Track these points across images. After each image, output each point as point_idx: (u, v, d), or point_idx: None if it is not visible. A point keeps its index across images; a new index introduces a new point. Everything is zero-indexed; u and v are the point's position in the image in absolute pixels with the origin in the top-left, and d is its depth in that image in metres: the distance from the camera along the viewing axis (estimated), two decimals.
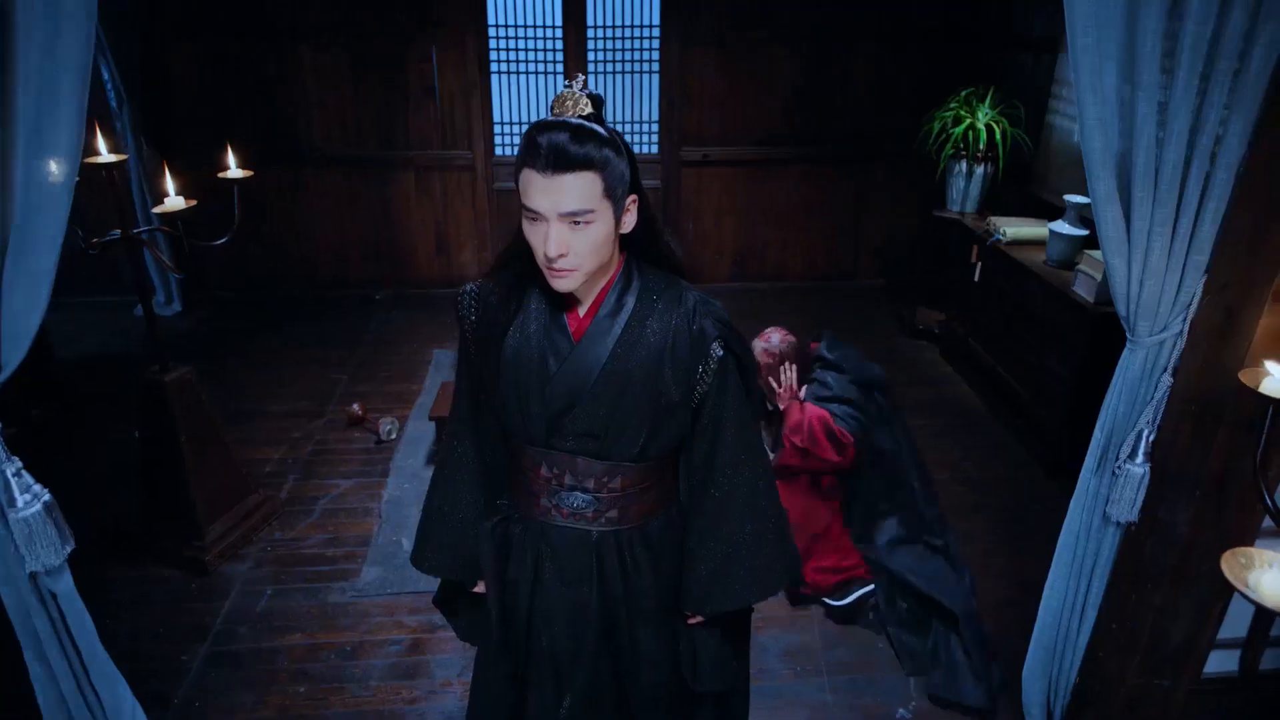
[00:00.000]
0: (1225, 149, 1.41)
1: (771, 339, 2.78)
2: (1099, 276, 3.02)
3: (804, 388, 2.75)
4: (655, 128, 5.00)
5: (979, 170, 4.17)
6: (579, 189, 1.16)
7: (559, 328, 1.34)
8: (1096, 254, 3.07)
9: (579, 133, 1.15)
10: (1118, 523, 1.76)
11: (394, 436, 3.52)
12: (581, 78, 1.23)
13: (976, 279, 3.94)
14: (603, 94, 5.30)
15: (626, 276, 1.34)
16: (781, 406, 2.70)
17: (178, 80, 4.53)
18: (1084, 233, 3.38)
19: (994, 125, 4.04)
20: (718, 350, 1.33)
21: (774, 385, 2.72)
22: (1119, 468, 1.71)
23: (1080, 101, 1.42)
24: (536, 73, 4.83)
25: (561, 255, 1.20)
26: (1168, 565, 1.67)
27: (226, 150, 2.64)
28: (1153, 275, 1.53)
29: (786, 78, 4.86)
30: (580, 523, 1.43)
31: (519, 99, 4.89)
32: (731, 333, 1.35)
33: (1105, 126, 1.43)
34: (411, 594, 2.64)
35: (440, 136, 4.85)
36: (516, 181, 1.21)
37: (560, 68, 4.80)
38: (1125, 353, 1.66)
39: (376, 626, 2.53)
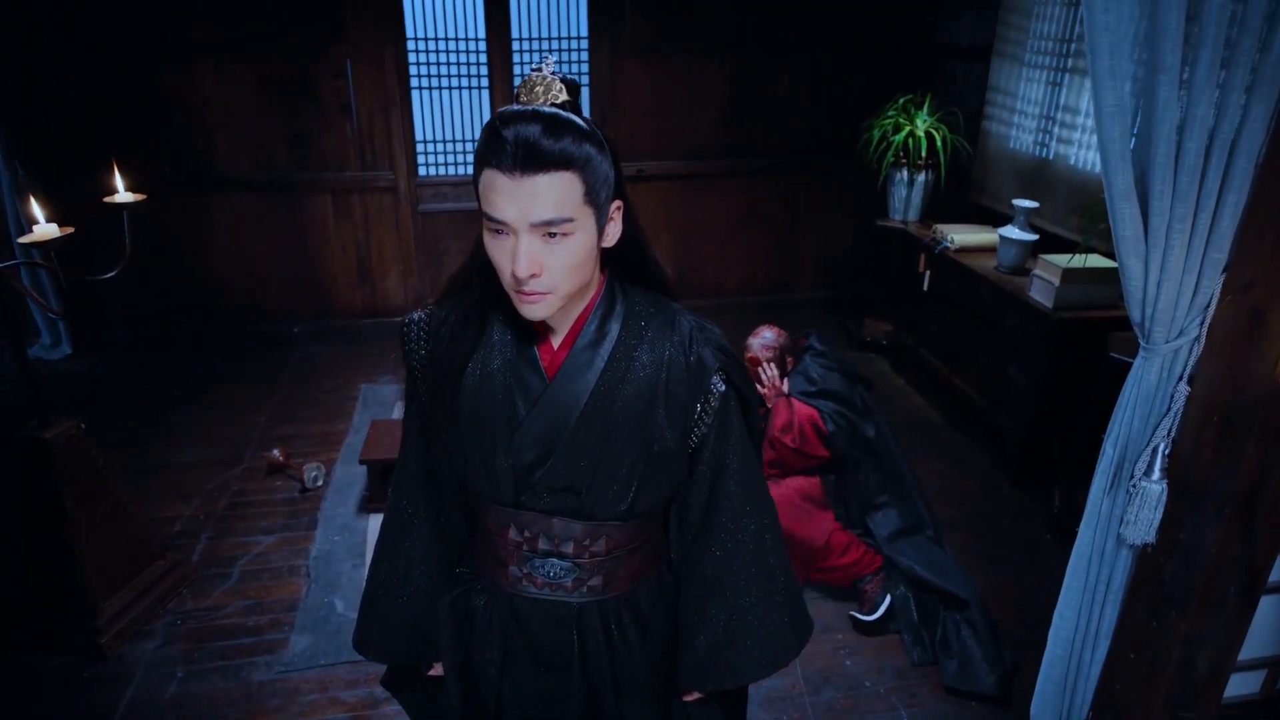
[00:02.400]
0: (1245, 137, 1.30)
1: (765, 335, 2.80)
2: (1056, 281, 2.96)
3: (786, 379, 2.77)
4: None
5: (920, 178, 4.13)
6: (555, 193, 0.95)
7: (529, 363, 1.12)
8: (1052, 258, 3.01)
9: (554, 124, 0.94)
10: (1132, 545, 1.63)
11: (320, 483, 3.20)
12: (552, 59, 1.02)
13: (925, 288, 3.86)
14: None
15: (609, 299, 1.12)
16: (768, 404, 2.70)
17: (60, 100, 4.10)
18: (1034, 237, 3.34)
19: (934, 132, 4.00)
20: (719, 385, 1.13)
21: (759, 384, 2.74)
22: (1134, 486, 1.58)
23: (1096, 87, 1.28)
24: (460, 87, 4.59)
25: (534, 275, 0.98)
26: (1194, 588, 1.54)
27: (113, 171, 2.31)
28: (1171, 276, 1.41)
29: (719, 89, 4.75)
30: (557, 594, 1.20)
31: (443, 115, 4.63)
32: (733, 363, 1.15)
33: (1123, 114, 1.30)
34: (348, 664, 2.34)
35: (359, 157, 4.55)
36: (476, 186, 0.99)
37: (485, 81, 4.57)
38: (1139, 361, 1.53)
39: (310, 706, 2.22)
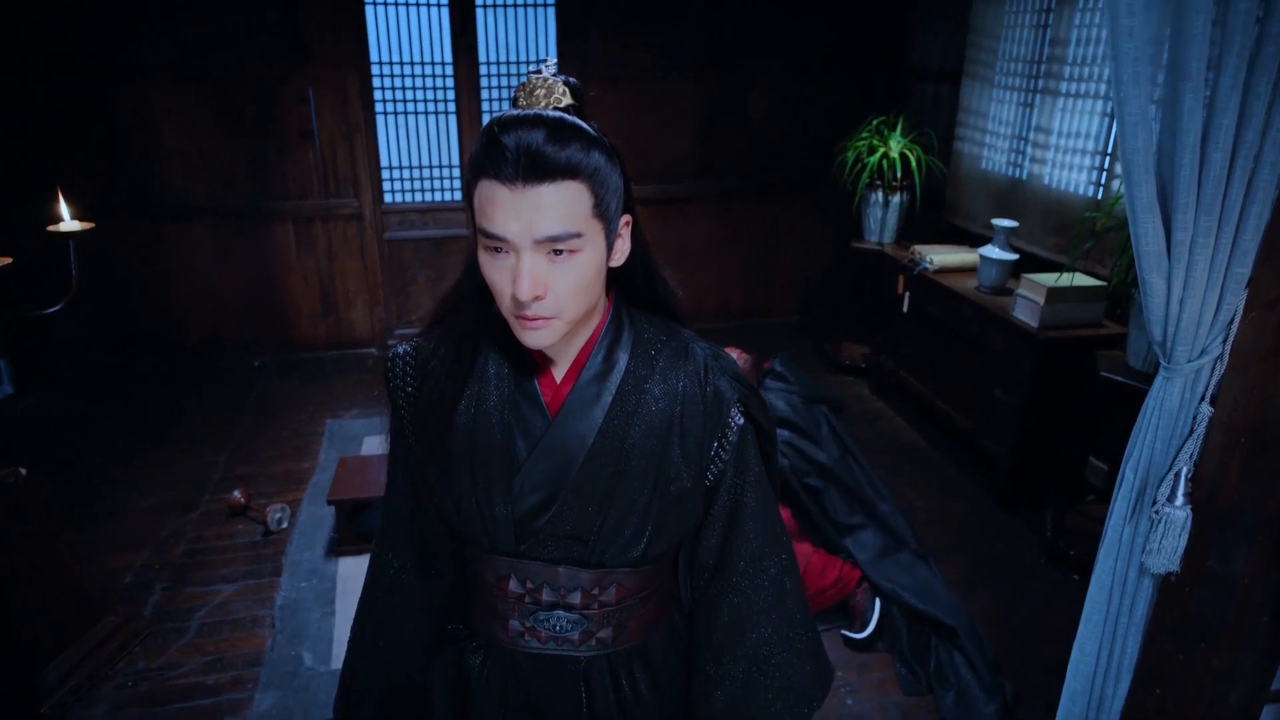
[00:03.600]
0: (1269, 147, 1.25)
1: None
2: (1040, 300, 2.93)
3: None
4: None
5: (894, 199, 4.11)
6: (561, 205, 0.85)
7: (529, 398, 1.01)
8: (1036, 278, 2.98)
9: (559, 128, 0.84)
10: (1155, 574, 1.56)
11: (285, 526, 3.02)
12: (552, 61, 0.93)
13: (905, 310, 3.82)
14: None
15: (616, 325, 1.02)
16: None
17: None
18: (1014, 257, 3.32)
19: (908, 153, 3.98)
20: (738, 418, 1.03)
21: None
22: (1156, 512, 1.51)
23: (1120, 97, 1.22)
24: (427, 112, 4.48)
25: (537, 298, 0.88)
26: (1225, 620, 1.46)
27: (58, 199, 2.16)
28: (1194, 292, 1.35)
29: (690, 112, 4.72)
30: (563, 648, 1.08)
31: (409, 140, 4.51)
32: (751, 393, 1.05)
33: (1147, 124, 1.24)
34: None
35: (321, 183, 4.41)
36: (469, 199, 0.89)
37: (453, 106, 4.47)
38: (1159, 382, 1.47)
39: None
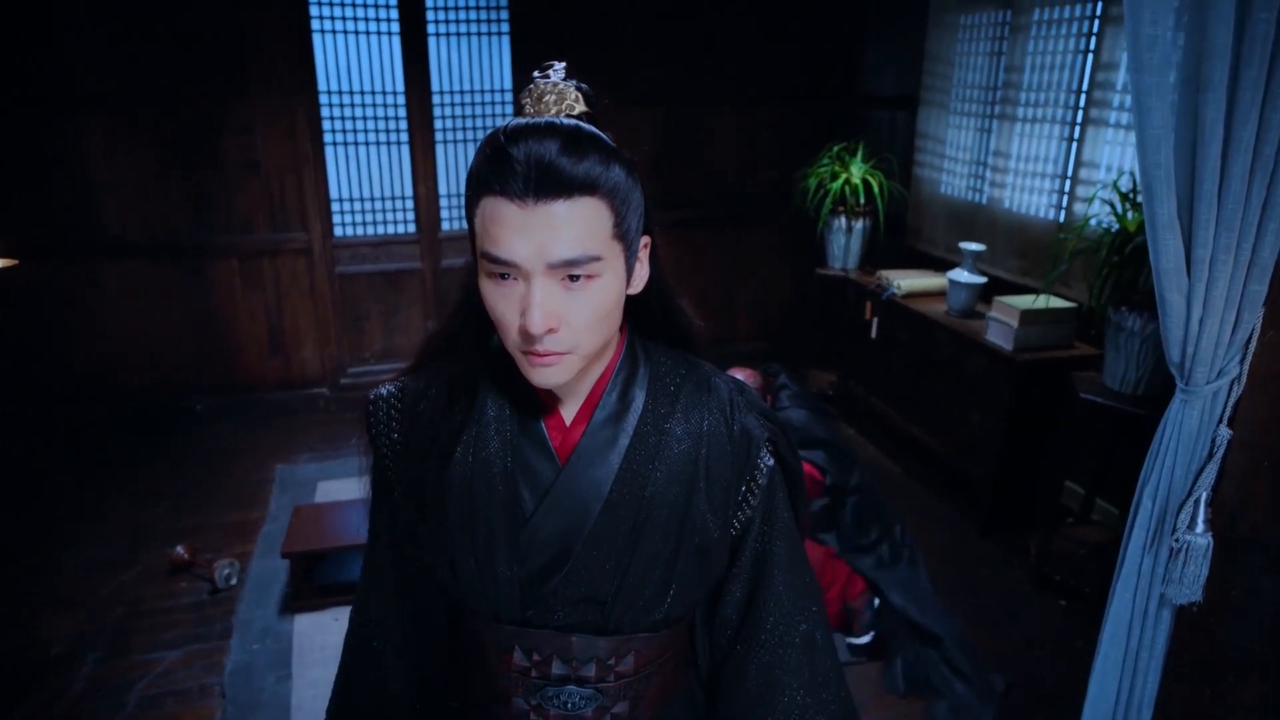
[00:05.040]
0: None
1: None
2: (1014, 323, 2.91)
3: None
4: None
5: (858, 225, 4.10)
6: (578, 224, 0.74)
7: (535, 443, 0.89)
8: (1009, 300, 2.97)
9: (575, 138, 0.74)
10: (1177, 605, 1.50)
11: (234, 582, 2.80)
12: (560, 65, 0.82)
13: (874, 335, 3.79)
14: (452, 166, 4.75)
15: (631, 359, 0.91)
16: None
17: None
18: (983, 280, 3.31)
19: (870, 179, 3.98)
20: (767, 459, 0.93)
21: None
22: (1177, 540, 1.45)
23: (1142, 109, 1.17)
24: (378, 143, 4.34)
25: (550, 330, 0.77)
26: (1254, 651, 1.40)
27: None
28: (1213, 312, 1.31)
29: (649, 141, 4.66)
30: None
31: (359, 172, 4.36)
32: (780, 431, 0.96)
33: (1169, 137, 1.19)
34: None
35: (268, 218, 4.21)
36: (470, 220, 0.77)
37: (405, 136, 4.34)
38: (1176, 405, 1.42)
39: None
